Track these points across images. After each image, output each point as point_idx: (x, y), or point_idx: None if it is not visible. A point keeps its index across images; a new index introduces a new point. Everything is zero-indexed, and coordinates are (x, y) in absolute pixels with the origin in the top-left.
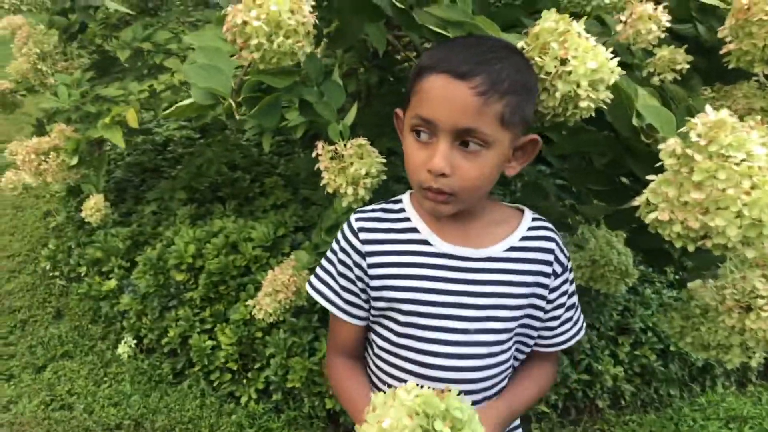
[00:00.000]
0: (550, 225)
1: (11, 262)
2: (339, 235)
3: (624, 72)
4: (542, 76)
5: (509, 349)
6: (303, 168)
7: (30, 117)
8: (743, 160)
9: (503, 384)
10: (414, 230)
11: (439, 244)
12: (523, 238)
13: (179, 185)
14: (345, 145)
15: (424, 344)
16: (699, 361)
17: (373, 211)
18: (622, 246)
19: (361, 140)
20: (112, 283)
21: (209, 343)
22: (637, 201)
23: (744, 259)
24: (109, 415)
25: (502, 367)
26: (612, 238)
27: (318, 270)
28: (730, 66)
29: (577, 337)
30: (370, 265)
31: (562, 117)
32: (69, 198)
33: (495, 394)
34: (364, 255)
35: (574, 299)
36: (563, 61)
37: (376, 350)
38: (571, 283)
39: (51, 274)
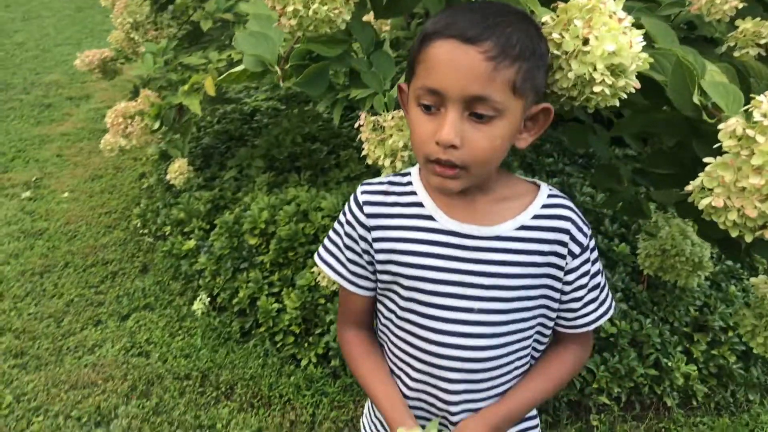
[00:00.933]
0: (567, 202)
1: (108, 218)
2: (345, 207)
3: (651, 60)
4: (559, 53)
5: (522, 332)
6: None
7: (130, 84)
8: None
9: (516, 371)
10: (419, 205)
11: (444, 221)
12: (536, 217)
13: (258, 153)
14: (386, 116)
15: (425, 320)
16: None
17: (380, 183)
18: (697, 237)
19: (402, 112)
20: (192, 243)
21: (275, 305)
22: (692, 185)
23: None
24: (180, 366)
25: (512, 353)
26: (687, 228)
27: (326, 242)
28: None
29: (605, 318)
30: (375, 239)
31: (577, 101)
32: (160, 162)
33: (505, 382)
34: (369, 228)
35: (599, 279)
36: (585, 41)
37: (384, 321)
38: (594, 262)
39: (141, 231)
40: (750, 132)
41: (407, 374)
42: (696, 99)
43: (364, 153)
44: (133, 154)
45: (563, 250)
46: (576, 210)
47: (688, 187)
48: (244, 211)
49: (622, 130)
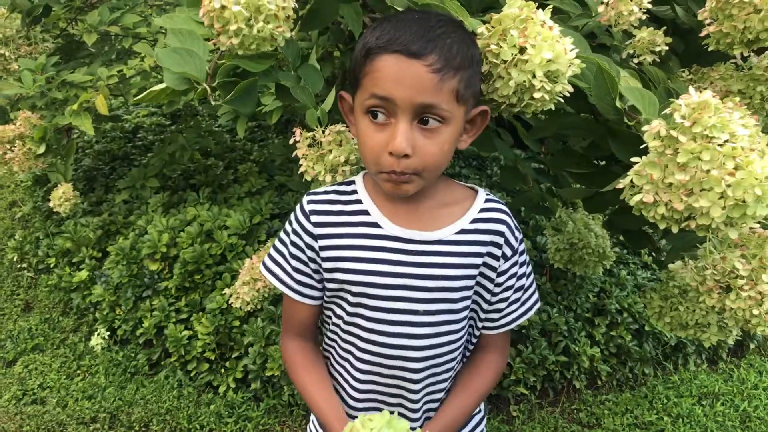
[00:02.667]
0: (503, 206)
1: None
2: (291, 216)
3: (584, 65)
4: (497, 62)
5: (461, 330)
6: (278, 154)
7: None
8: (726, 141)
9: (453, 371)
10: (365, 212)
11: (389, 227)
12: (474, 220)
13: (151, 173)
14: (323, 132)
15: (373, 323)
16: (672, 340)
17: (325, 193)
18: (599, 229)
19: (340, 127)
20: (84, 274)
21: (185, 332)
22: (622, 183)
23: (724, 240)
24: (83, 409)
25: (454, 351)
26: (590, 221)
27: (271, 251)
28: (710, 48)
29: (526, 316)
30: (322, 248)
31: (517, 107)
32: (36, 188)
33: (445, 380)
34: (315, 237)
35: (524, 281)
36: (522, 50)
37: (332, 327)
38: (522, 265)
39: (19, 266)
40: (673, 133)
41: (354, 377)
42: (618, 103)
43: (301, 170)
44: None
45: (498, 252)
46: (510, 215)
47: (619, 185)
48: (140, 235)
49: (537, 134)
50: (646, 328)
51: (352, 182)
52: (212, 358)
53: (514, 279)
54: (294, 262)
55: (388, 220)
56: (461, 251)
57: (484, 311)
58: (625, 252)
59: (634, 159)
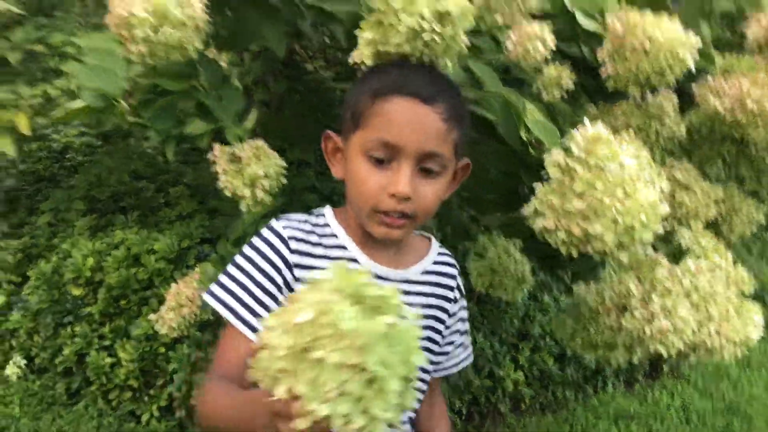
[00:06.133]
0: (451, 253)
1: None
2: (258, 241)
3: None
4: (387, 9)
5: (421, 372)
6: (211, 177)
7: None
8: (616, 171)
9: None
10: (342, 247)
11: (366, 263)
12: (435, 263)
13: (77, 195)
14: (243, 146)
15: None
16: (592, 364)
17: (299, 221)
18: (519, 254)
19: (259, 142)
20: (0, 300)
21: (108, 360)
22: (526, 210)
23: (621, 264)
24: None
25: (417, 391)
26: (510, 247)
27: (222, 278)
28: (609, 87)
29: (467, 362)
30: (297, 278)
31: (415, 55)
32: None
33: (403, 422)
34: (291, 266)
35: (467, 325)
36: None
37: None
38: (465, 309)
39: None
40: (571, 163)
41: None
42: (523, 134)
43: (222, 186)
44: None
45: (451, 295)
46: (457, 261)
47: (524, 211)
48: (63, 259)
49: None
50: (568, 352)
51: (322, 215)
52: (136, 386)
53: (461, 323)
54: (255, 290)
55: (366, 256)
56: (425, 291)
57: (434, 354)
58: (548, 278)
59: (536, 185)
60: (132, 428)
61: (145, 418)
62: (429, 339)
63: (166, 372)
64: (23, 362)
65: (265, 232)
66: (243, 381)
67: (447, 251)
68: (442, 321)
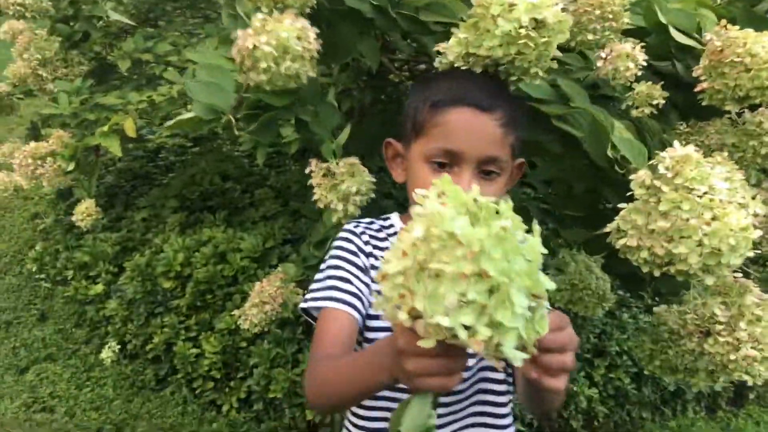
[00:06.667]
0: None
1: None
2: (337, 241)
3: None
4: (485, 13)
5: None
6: (294, 181)
7: (21, 119)
8: (705, 193)
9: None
10: None
11: None
12: None
13: (171, 193)
14: (337, 163)
15: None
16: (671, 386)
17: (368, 223)
18: (600, 271)
19: (353, 159)
20: (99, 288)
21: (193, 351)
22: (609, 228)
23: (706, 287)
24: (90, 419)
25: (498, 387)
26: (591, 263)
27: (313, 286)
28: (704, 103)
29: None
30: (372, 266)
31: (505, 60)
32: (58, 201)
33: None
34: (367, 254)
35: None
36: (511, 5)
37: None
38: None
39: (37, 276)
40: (657, 182)
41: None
42: (609, 152)
43: (315, 198)
44: (24, 193)
45: None
46: None
47: (606, 229)
48: (156, 253)
49: (538, 176)
50: (645, 372)
51: (389, 218)
52: (218, 377)
53: None
54: (348, 275)
55: None
56: None
57: None
58: (628, 296)
59: (621, 205)
60: (213, 417)
61: (225, 408)
62: None
63: (246, 366)
64: (117, 347)
65: (341, 233)
66: (341, 350)
67: None
68: None
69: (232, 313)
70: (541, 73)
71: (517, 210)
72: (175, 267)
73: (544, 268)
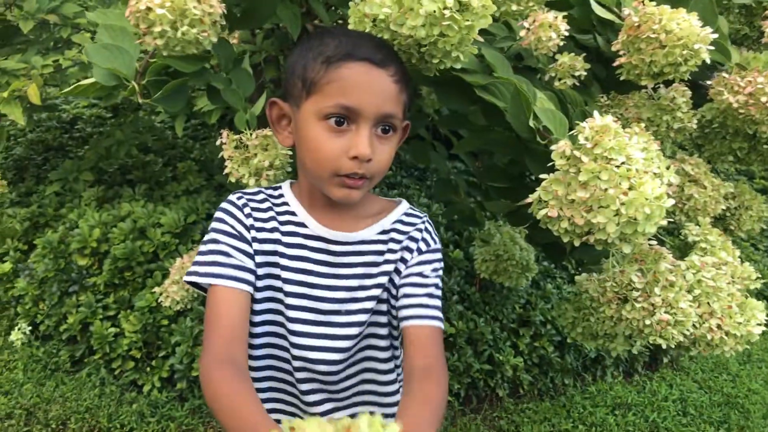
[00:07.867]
0: (424, 216)
1: None
2: (218, 214)
3: None
4: None
5: (387, 332)
6: (218, 153)
7: None
8: (623, 163)
9: (392, 368)
10: (292, 213)
11: (314, 227)
12: (396, 222)
13: (86, 166)
14: (250, 135)
15: (292, 324)
16: (592, 353)
17: (252, 193)
18: (524, 242)
19: (267, 131)
20: (7, 267)
21: (112, 330)
22: (531, 198)
23: (624, 255)
24: None
25: (382, 350)
26: (515, 235)
27: (197, 258)
28: (622, 78)
29: (425, 321)
30: (254, 239)
31: (427, 42)
32: None
33: (366, 381)
34: (248, 227)
35: (432, 289)
36: None
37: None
38: (435, 270)
39: None
40: (577, 153)
41: (272, 377)
42: (531, 123)
43: (226, 171)
44: None
45: (413, 246)
46: (431, 224)
47: (527, 200)
48: (70, 229)
49: (462, 148)
50: (568, 340)
51: (279, 187)
52: (138, 356)
53: (419, 277)
54: (228, 249)
55: (315, 221)
56: (382, 249)
57: (396, 298)
58: (552, 266)
59: (542, 176)
60: (133, 398)
61: (146, 388)
62: (387, 291)
63: (168, 344)
64: (28, 329)
65: (222, 204)
66: (232, 345)
67: (419, 213)
68: (399, 272)
69: (153, 290)
70: (462, 57)
71: (444, 182)
72: (91, 243)
73: (471, 240)
